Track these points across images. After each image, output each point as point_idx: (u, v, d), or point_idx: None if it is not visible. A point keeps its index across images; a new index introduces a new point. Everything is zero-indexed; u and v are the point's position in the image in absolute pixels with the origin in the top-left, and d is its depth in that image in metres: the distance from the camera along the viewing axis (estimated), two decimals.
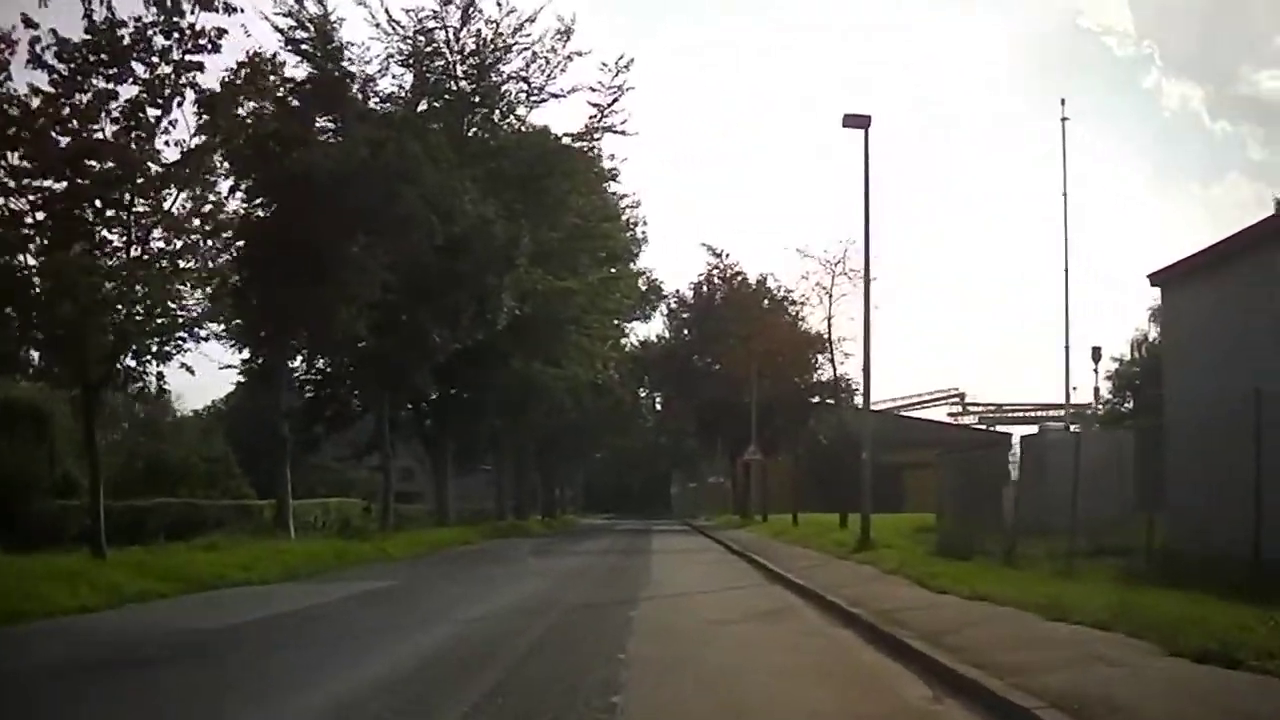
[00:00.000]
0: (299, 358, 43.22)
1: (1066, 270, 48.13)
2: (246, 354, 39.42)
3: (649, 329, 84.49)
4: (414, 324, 40.48)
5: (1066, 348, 48.27)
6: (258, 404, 46.73)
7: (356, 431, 52.87)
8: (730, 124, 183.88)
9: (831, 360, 48.70)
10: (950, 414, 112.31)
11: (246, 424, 60.33)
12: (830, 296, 45.42)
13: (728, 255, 72.29)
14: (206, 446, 60.56)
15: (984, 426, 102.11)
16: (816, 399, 71.12)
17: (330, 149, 34.66)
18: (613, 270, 59.55)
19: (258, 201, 34.22)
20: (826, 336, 50.64)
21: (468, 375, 50.35)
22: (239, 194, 31.91)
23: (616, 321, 67.94)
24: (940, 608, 16.30)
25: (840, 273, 44.55)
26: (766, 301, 65.43)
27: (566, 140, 51.45)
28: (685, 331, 75.71)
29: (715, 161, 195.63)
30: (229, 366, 40.77)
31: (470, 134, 50.84)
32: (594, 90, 50.37)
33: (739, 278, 71.38)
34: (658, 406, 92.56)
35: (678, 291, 76.07)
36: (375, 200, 33.44)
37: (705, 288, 73.32)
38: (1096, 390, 77.45)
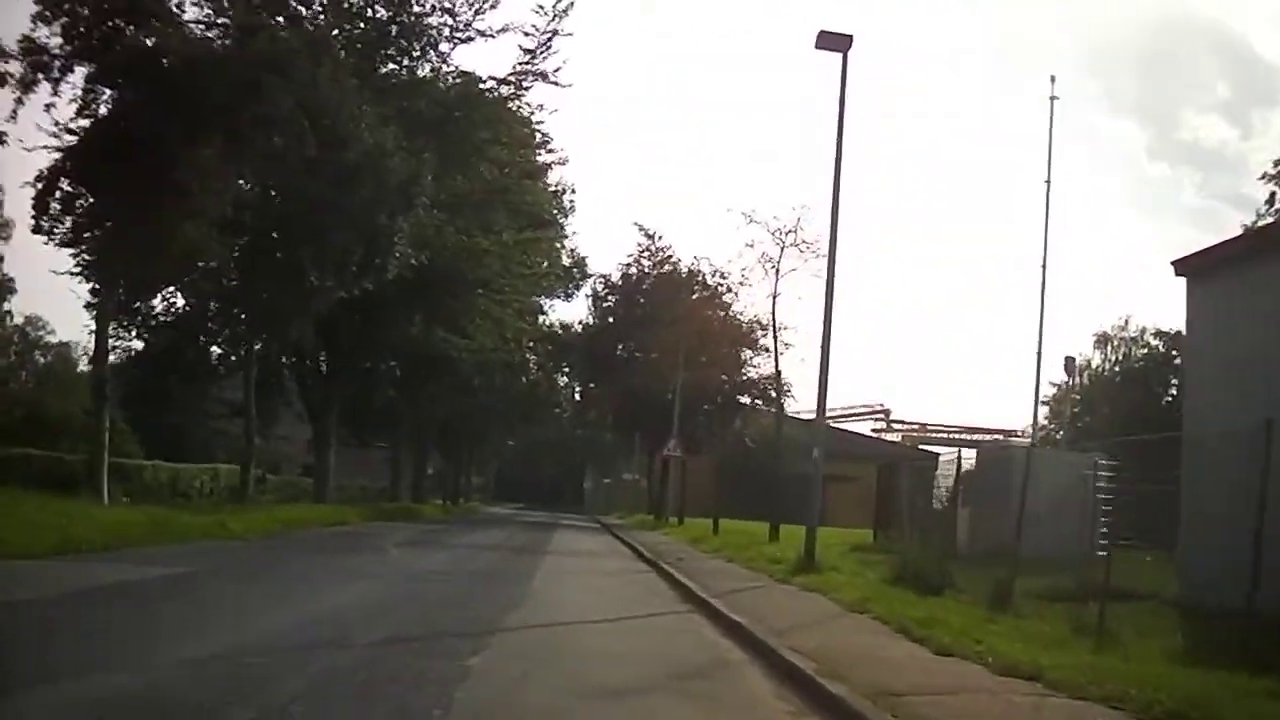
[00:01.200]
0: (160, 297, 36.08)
1: (1045, 269, 42.07)
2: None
3: (571, 311, 78.01)
4: (289, 262, 33.58)
5: (1040, 355, 41.99)
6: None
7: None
8: (675, 88, 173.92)
9: (775, 348, 41.74)
10: (874, 430, 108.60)
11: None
12: (777, 272, 38.63)
13: (660, 237, 65.56)
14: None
15: (908, 445, 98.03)
16: (745, 398, 65.14)
17: (189, 36, 27.65)
18: (533, 234, 52.14)
19: (99, 93, 27.20)
20: (764, 323, 44.32)
21: (357, 334, 43.43)
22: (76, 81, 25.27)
23: (535, 297, 60.72)
24: (968, 689, 9.89)
25: (791, 244, 37.84)
26: (698, 287, 58.67)
27: (491, 83, 44.30)
28: (609, 317, 68.70)
29: (655, 129, 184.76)
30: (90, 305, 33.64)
31: (384, 71, 43.60)
32: (527, 35, 42.94)
33: (671, 260, 64.78)
34: (577, 396, 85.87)
35: (606, 277, 68.85)
36: (234, 94, 26.37)
37: (634, 270, 66.49)
38: (1068, 400, 74.65)
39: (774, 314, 40.23)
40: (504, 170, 46.95)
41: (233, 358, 39.24)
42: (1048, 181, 42.65)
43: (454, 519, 56.92)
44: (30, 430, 39.46)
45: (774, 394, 62.90)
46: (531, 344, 64.54)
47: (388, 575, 20.26)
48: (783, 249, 38.28)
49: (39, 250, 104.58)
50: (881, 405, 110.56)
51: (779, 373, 42.56)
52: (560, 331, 70.63)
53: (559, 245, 62.14)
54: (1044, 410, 70.52)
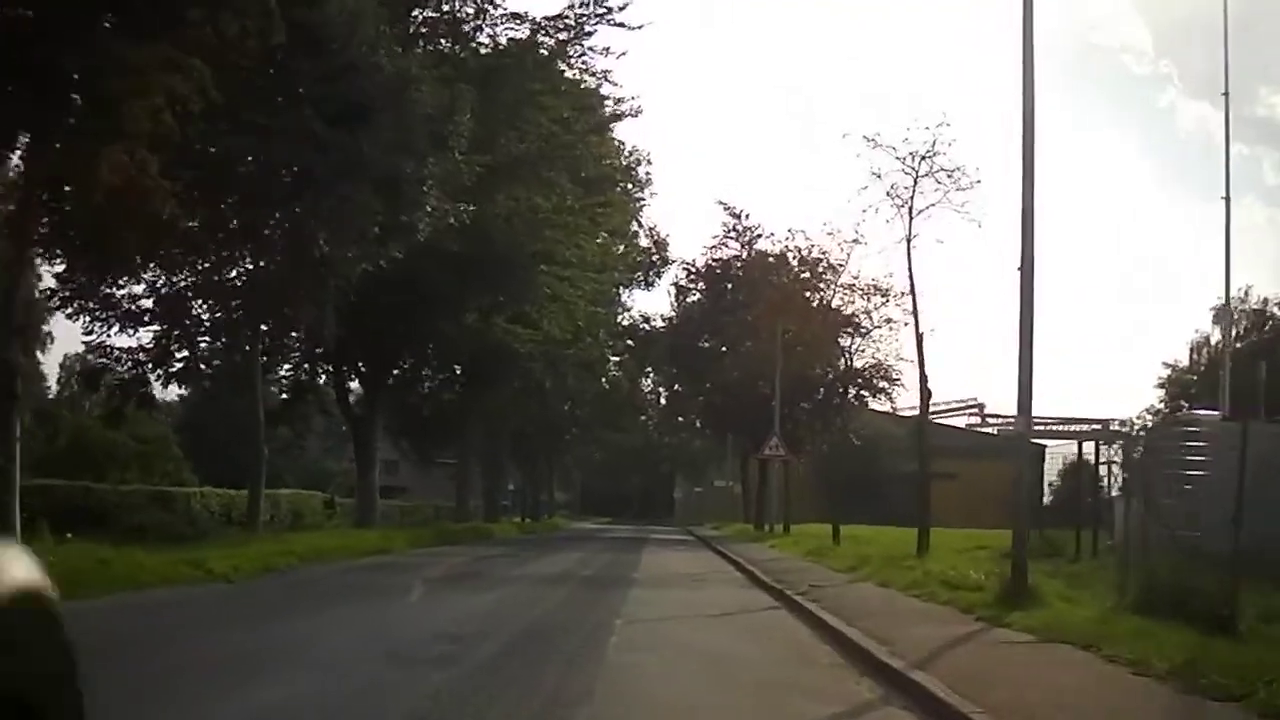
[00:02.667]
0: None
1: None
2: None
3: (653, 303, 69.61)
4: (290, 222, 25.72)
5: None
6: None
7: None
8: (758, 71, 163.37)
9: (915, 308, 31.75)
10: (969, 426, 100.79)
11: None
12: (910, 211, 29.39)
13: (747, 216, 57.22)
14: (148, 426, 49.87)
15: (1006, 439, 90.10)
16: (851, 389, 56.43)
17: None
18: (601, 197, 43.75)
19: None
20: (881, 287, 36.18)
21: (398, 325, 35.54)
22: None
23: (609, 285, 52.34)
24: None
25: (926, 173, 28.76)
26: (795, 264, 50.02)
27: (543, 21, 36.26)
28: (695, 308, 60.26)
29: (738, 107, 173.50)
30: None
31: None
32: None
33: (761, 238, 56.44)
34: (662, 400, 77.71)
35: (689, 264, 60.41)
36: None
37: (720, 255, 58.14)
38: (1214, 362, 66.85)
39: (910, 261, 30.48)
40: (562, 123, 38.56)
41: (237, 357, 31.09)
42: (1225, 197, 33.82)
43: (527, 539, 48.88)
44: (75, 459, 37.47)
45: (888, 381, 54.83)
46: (610, 342, 56.46)
47: (348, 658, 11.48)
48: (916, 178, 29.23)
49: None
50: (975, 399, 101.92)
51: (920, 338, 32.60)
52: (643, 326, 61.96)
53: (633, 219, 53.70)
54: (1157, 394, 69.85)
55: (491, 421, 53.06)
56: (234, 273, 29.42)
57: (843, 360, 55.24)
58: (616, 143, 48.38)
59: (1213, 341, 71.06)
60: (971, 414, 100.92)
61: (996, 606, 15.08)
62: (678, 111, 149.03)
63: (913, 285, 29.95)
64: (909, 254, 29.18)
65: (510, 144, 36.08)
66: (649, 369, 69.39)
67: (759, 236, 56.54)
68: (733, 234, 57.27)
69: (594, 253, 40.21)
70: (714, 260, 57.91)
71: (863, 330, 54.16)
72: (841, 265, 41.10)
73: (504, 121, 35.30)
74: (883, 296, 39.90)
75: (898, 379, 54.69)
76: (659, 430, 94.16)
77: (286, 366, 38.00)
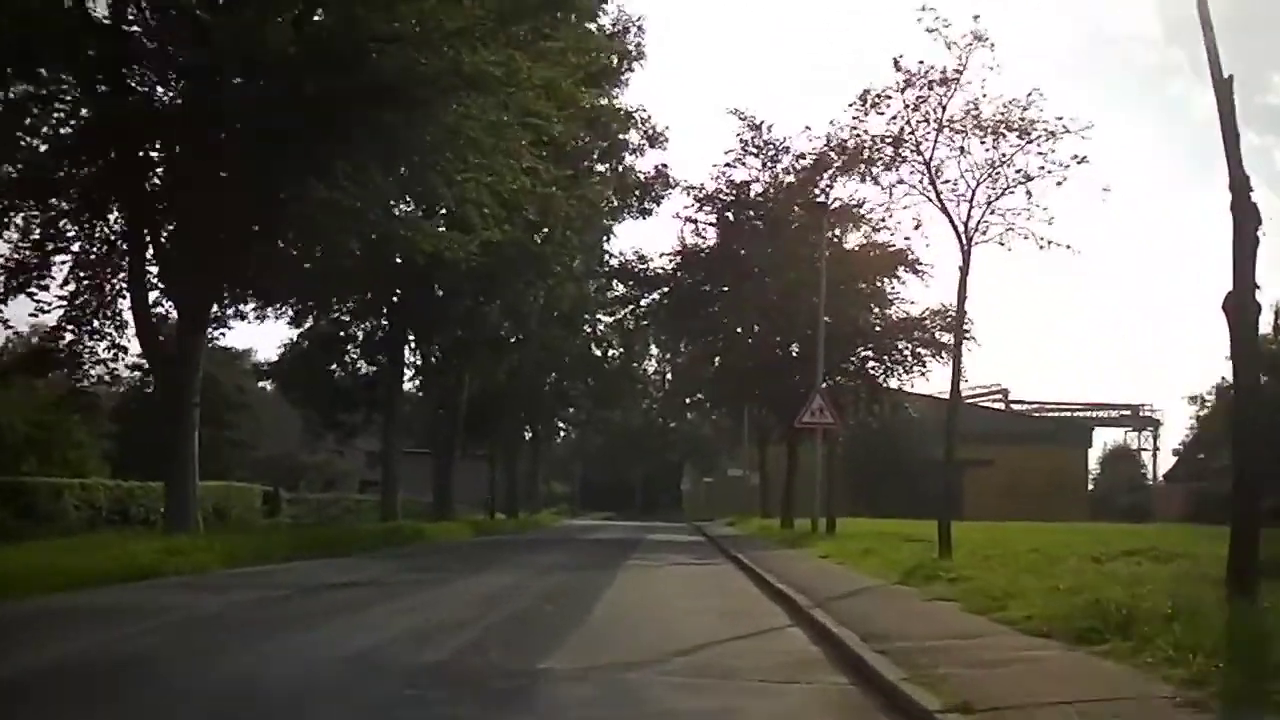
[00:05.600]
0: None
1: None
2: None
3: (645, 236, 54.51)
4: None
5: None
6: None
7: None
8: None
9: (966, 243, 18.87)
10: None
11: None
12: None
13: (770, 128, 42.04)
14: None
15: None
16: (908, 345, 41.63)
17: None
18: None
19: None
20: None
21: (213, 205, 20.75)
22: None
23: (573, 133, 35.41)
24: None
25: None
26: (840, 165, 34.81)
27: None
28: (702, 246, 44.67)
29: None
30: None
31: None
32: None
33: (787, 155, 41.48)
34: (667, 377, 62.88)
35: (696, 188, 44.38)
36: None
37: (736, 175, 42.95)
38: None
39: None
40: None
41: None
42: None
43: (473, 545, 33.88)
44: None
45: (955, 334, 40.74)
46: (594, 285, 41.66)
47: None
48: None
49: None
50: (999, 385, 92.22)
51: (963, 297, 19.11)
52: (640, 267, 45.69)
53: (601, 54, 36.85)
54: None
55: (430, 384, 38.51)
56: None
57: (892, 309, 41.71)
58: None
59: None
60: (995, 400, 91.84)
61: None
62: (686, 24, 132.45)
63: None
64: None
65: None
66: (650, 335, 54.27)
67: (784, 151, 41.50)
68: (752, 149, 42.13)
69: (542, 78, 23.75)
70: (728, 183, 42.78)
71: (920, 268, 40.86)
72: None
73: None
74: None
75: (968, 332, 40.34)
76: (663, 413, 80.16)
77: None
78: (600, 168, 41.78)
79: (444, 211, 27.82)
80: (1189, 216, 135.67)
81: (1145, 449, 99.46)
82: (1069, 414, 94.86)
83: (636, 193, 44.01)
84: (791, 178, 40.98)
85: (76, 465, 39.44)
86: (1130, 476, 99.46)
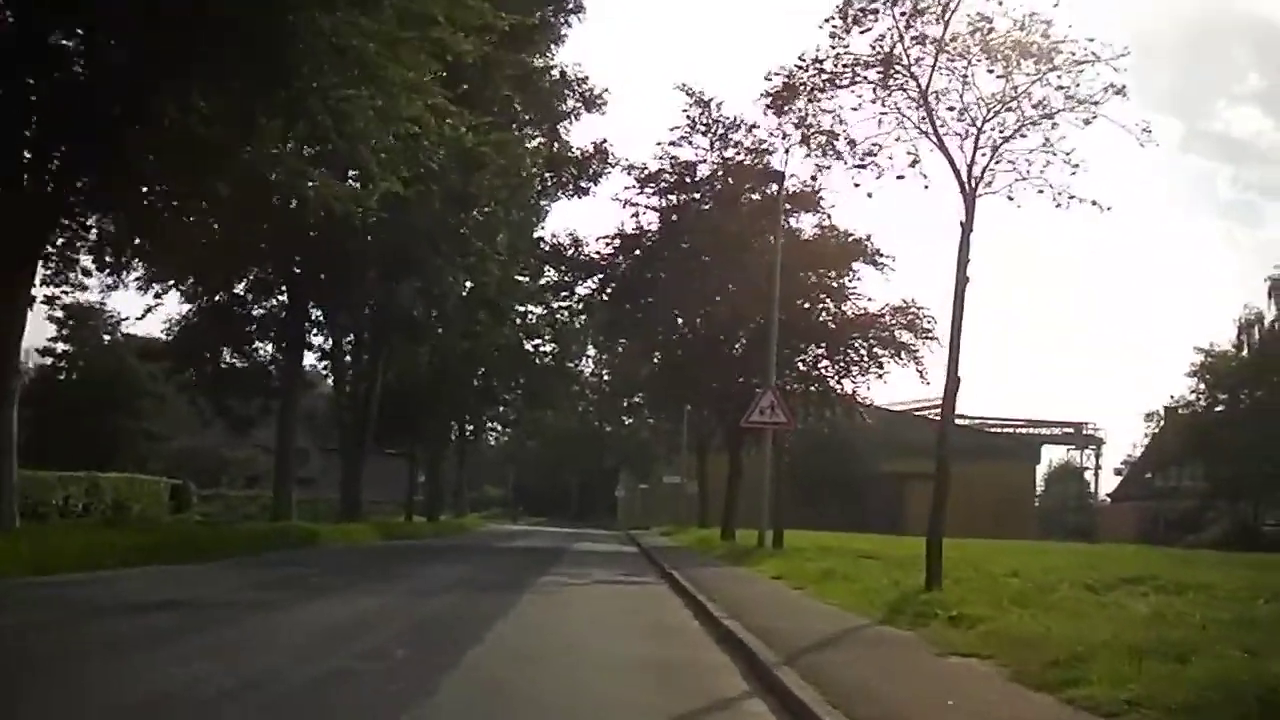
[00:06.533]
0: None
1: None
2: None
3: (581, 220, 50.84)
4: None
5: None
6: None
7: None
8: None
9: (970, 192, 14.87)
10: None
11: None
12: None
13: (720, 105, 38.07)
14: None
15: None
16: (864, 344, 37.86)
17: None
18: None
19: None
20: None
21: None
22: None
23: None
24: None
25: None
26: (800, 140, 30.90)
27: None
28: (644, 231, 40.43)
29: None
30: None
31: None
32: None
33: (739, 131, 37.59)
34: (605, 377, 58.96)
35: (638, 168, 40.08)
36: None
37: (678, 158, 38.81)
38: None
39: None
40: None
41: None
42: None
43: (383, 548, 29.50)
44: None
45: (916, 334, 38.10)
46: (522, 263, 37.32)
47: None
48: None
49: None
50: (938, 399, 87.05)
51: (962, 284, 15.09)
52: (573, 251, 41.29)
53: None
54: (1188, 383, 60.18)
55: (338, 371, 34.13)
56: None
57: (847, 304, 38.42)
58: None
59: (1268, 320, 60.23)
60: (934, 415, 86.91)
61: None
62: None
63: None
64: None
65: None
66: (586, 334, 50.08)
67: (736, 127, 37.58)
68: (699, 127, 38.16)
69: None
70: (673, 163, 38.73)
71: (880, 261, 37.58)
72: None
73: None
74: None
75: (930, 331, 37.12)
76: (599, 416, 76.46)
77: None
78: (532, 139, 37.43)
79: (351, 173, 23.90)
80: (1141, 236, 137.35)
81: (1087, 467, 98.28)
82: (1012, 429, 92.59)
83: (573, 170, 39.73)
84: (743, 156, 37.28)
85: None
86: (1076, 494, 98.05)
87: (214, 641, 10.16)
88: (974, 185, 15.28)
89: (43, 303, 25.03)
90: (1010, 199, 15.65)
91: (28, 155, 18.43)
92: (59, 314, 52.98)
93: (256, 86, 17.36)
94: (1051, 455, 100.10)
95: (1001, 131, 15.10)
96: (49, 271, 20.82)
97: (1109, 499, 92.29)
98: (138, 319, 65.61)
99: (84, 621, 11.26)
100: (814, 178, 24.09)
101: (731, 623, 12.21)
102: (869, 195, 15.97)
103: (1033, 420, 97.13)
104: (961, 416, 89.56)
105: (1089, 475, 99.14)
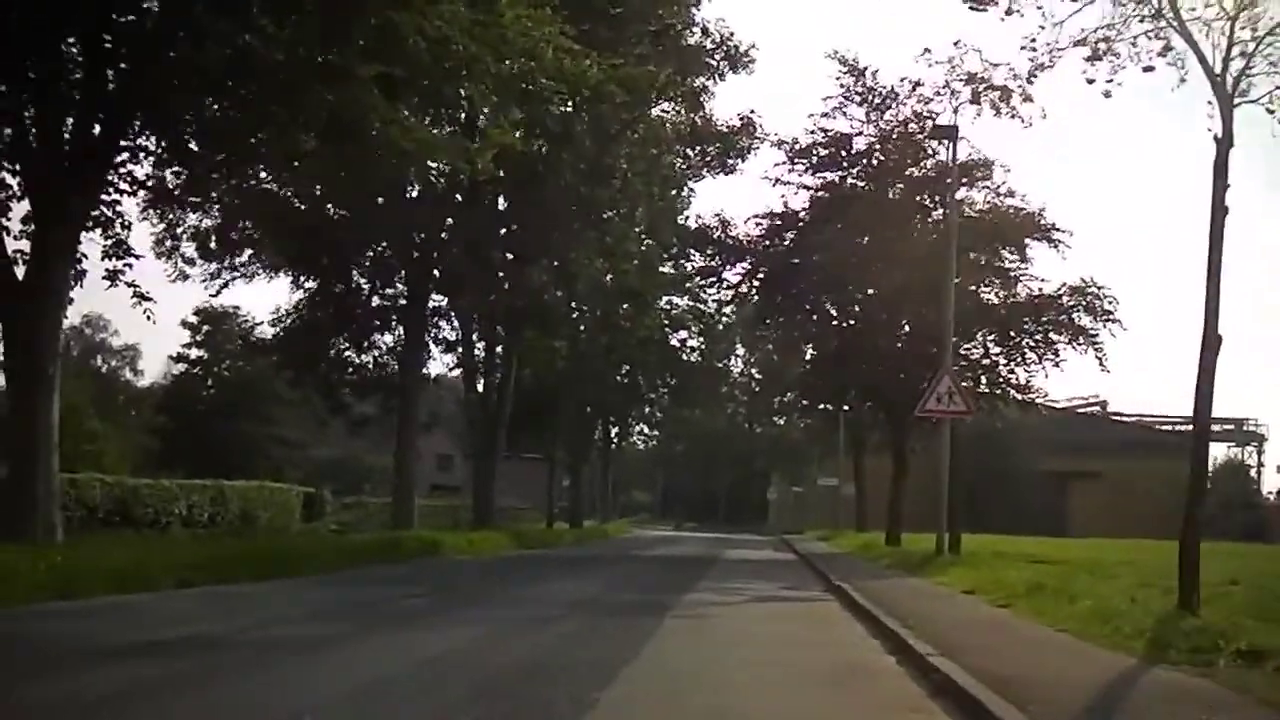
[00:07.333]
0: None
1: None
2: None
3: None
4: None
5: None
6: None
7: None
8: None
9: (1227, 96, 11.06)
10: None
11: None
12: None
13: (875, 73, 34.08)
14: None
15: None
16: (1038, 328, 33.85)
17: None
18: None
19: None
20: None
21: None
22: None
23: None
24: None
25: None
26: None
27: None
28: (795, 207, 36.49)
29: None
30: None
31: None
32: None
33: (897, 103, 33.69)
34: (755, 375, 55.75)
35: (789, 142, 36.13)
36: None
37: (831, 130, 34.84)
38: None
39: None
40: None
41: None
42: None
43: (511, 559, 26.46)
44: None
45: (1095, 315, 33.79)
46: (664, 250, 34.10)
47: None
48: None
49: None
50: (1097, 396, 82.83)
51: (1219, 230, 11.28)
52: (722, 235, 37.55)
53: None
54: None
55: (468, 364, 31.20)
56: None
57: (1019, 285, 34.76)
58: None
59: None
60: (1094, 411, 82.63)
61: None
62: None
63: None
64: None
65: None
66: (735, 332, 46.81)
67: (895, 95, 33.71)
68: (854, 97, 34.29)
69: None
70: (826, 136, 34.92)
71: (1056, 238, 33.63)
72: None
73: None
74: None
75: (1112, 313, 33.08)
76: (750, 416, 77.58)
77: None
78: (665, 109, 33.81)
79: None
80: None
81: (1250, 464, 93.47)
82: (1170, 426, 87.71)
83: (718, 144, 36.10)
84: (904, 125, 33.47)
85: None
86: (1243, 493, 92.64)
87: (192, 705, 6.92)
88: (1231, 90, 11.62)
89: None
90: (1270, 111, 12.07)
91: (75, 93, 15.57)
92: (193, 319, 51.81)
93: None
94: (1214, 453, 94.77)
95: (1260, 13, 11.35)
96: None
97: (1272, 496, 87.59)
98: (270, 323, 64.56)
99: (45, 670, 8.11)
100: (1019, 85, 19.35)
101: (944, 662, 8.64)
102: (1106, 95, 12.24)
103: (1190, 417, 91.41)
104: (1116, 414, 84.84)
105: (1252, 473, 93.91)
